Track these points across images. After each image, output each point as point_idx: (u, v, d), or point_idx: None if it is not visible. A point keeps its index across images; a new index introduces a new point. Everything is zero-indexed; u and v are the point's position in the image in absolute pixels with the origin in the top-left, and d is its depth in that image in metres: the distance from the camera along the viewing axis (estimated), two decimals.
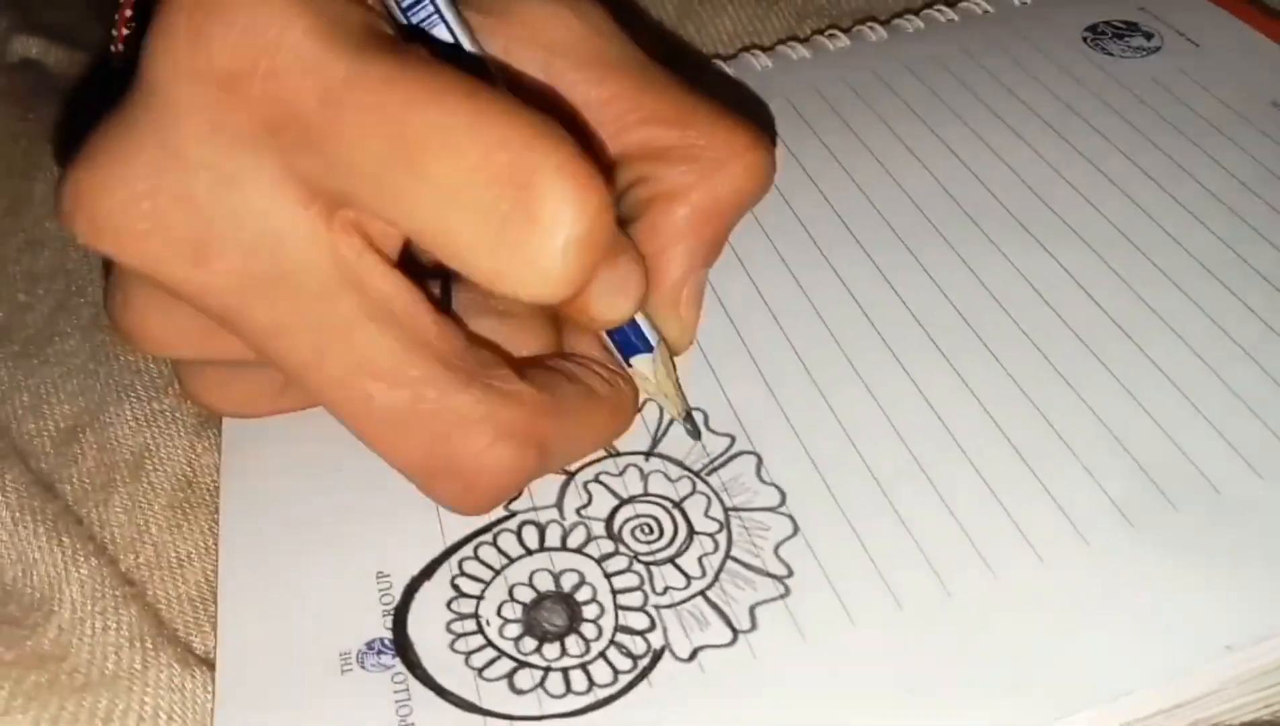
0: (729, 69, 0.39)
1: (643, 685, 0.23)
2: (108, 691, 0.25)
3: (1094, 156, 0.34)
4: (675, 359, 0.29)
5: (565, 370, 0.27)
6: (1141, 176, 0.33)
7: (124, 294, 0.25)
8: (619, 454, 0.28)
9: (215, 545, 0.28)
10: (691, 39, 0.41)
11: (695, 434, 0.28)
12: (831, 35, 0.40)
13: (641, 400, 0.29)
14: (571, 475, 0.27)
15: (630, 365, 0.28)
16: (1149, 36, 0.39)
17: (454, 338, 0.24)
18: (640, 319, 0.27)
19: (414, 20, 0.24)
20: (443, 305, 0.25)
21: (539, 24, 0.27)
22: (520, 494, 0.27)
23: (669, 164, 0.27)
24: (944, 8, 0.41)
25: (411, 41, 0.23)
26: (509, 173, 0.21)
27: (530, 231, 0.21)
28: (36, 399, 0.31)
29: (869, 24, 0.41)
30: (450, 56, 0.24)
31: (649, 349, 0.27)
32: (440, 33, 0.25)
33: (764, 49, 0.40)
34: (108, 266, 0.25)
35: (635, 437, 0.28)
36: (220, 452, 0.29)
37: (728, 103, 0.28)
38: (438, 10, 0.24)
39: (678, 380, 0.28)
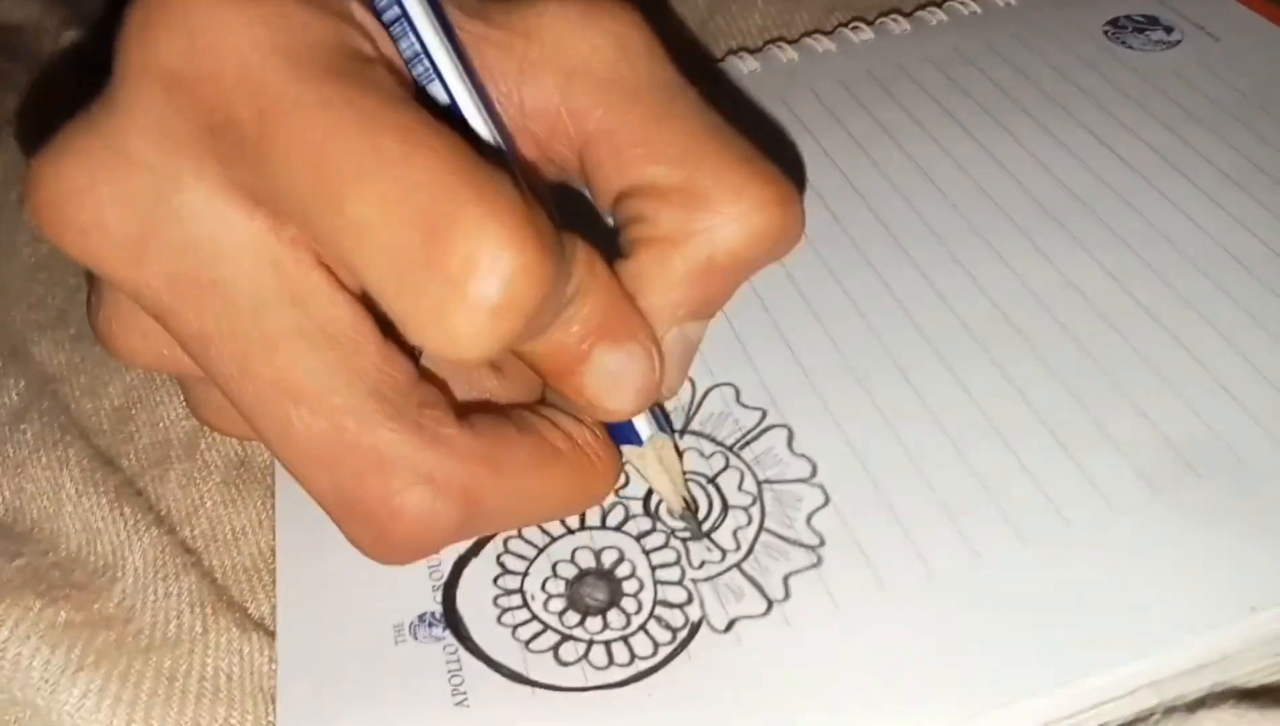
0: (755, 62, 0.40)
1: (682, 656, 0.24)
2: (171, 652, 0.26)
3: (1115, 148, 0.35)
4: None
5: (521, 421, 0.25)
6: (1163, 166, 0.34)
7: (96, 299, 0.25)
8: None
9: (269, 520, 0.29)
10: (721, 32, 0.42)
11: (696, 535, 0.26)
12: (856, 28, 0.41)
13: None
14: None
15: (619, 447, 0.26)
16: (1169, 30, 0.39)
17: (395, 370, 0.23)
18: None
19: (400, 46, 0.23)
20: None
21: (560, 42, 0.24)
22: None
23: (669, 206, 0.24)
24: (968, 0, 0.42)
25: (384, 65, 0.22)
26: (423, 216, 0.20)
27: (439, 288, 0.20)
28: (93, 380, 0.32)
29: (893, 16, 0.41)
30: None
31: (639, 440, 0.25)
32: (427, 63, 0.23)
33: (790, 42, 0.41)
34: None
35: (671, 415, 0.29)
36: None
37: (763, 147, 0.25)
38: (422, 45, 0.23)
39: (681, 470, 0.26)
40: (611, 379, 0.24)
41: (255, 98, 0.21)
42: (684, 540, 0.26)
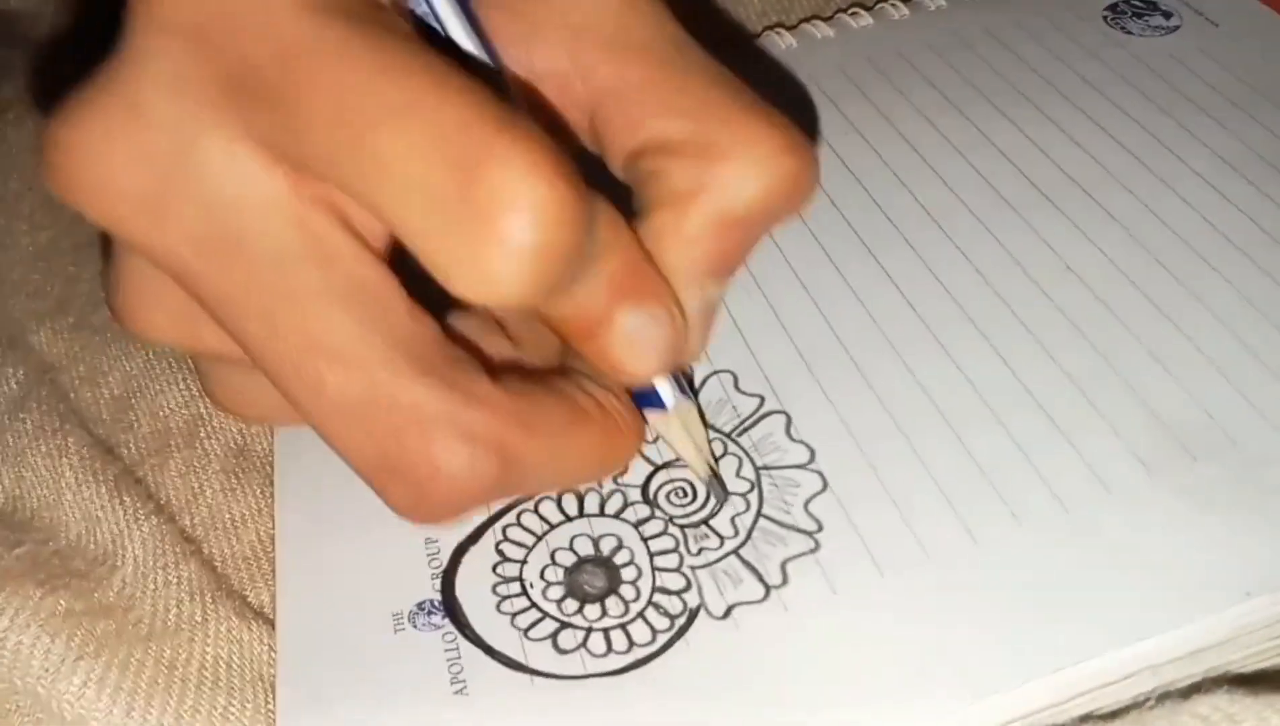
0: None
1: (680, 643, 0.24)
2: (171, 641, 0.26)
3: (1114, 133, 0.35)
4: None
5: (550, 383, 0.25)
6: (1162, 151, 0.34)
7: (115, 273, 0.24)
8: None
9: (268, 508, 0.29)
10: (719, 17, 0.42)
11: (721, 497, 0.26)
12: (855, 13, 0.41)
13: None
14: None
15: (643, 413, 0.26)
16: (1168, 15, 0.39)
17: (425, 328, 0.22)
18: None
19: (411, 3, 0.23)
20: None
21: (566, 1, 0.24)
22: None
23: (682, 160, 0.24)
24: None
25: (397, 15, 0.22)
26: (460, 159, 0.20)
27: (475, 226, 0.20)
28: (92, 368, 0.32)
29: (892, 1, 0.41)
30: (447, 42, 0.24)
31: (663, 405, 0.25)
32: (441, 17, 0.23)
33: (789, 28, 0.41)
34: (105, 242, 0.23)
35: None
36: None
37: (773, 98, 0.25)
38: (430, 6, 0.23)
39: (706, 436, 0.26)
40: (634, 340, 0.23)
41: (275, 44, 0.20)
42: (683, 528, 0.26)
